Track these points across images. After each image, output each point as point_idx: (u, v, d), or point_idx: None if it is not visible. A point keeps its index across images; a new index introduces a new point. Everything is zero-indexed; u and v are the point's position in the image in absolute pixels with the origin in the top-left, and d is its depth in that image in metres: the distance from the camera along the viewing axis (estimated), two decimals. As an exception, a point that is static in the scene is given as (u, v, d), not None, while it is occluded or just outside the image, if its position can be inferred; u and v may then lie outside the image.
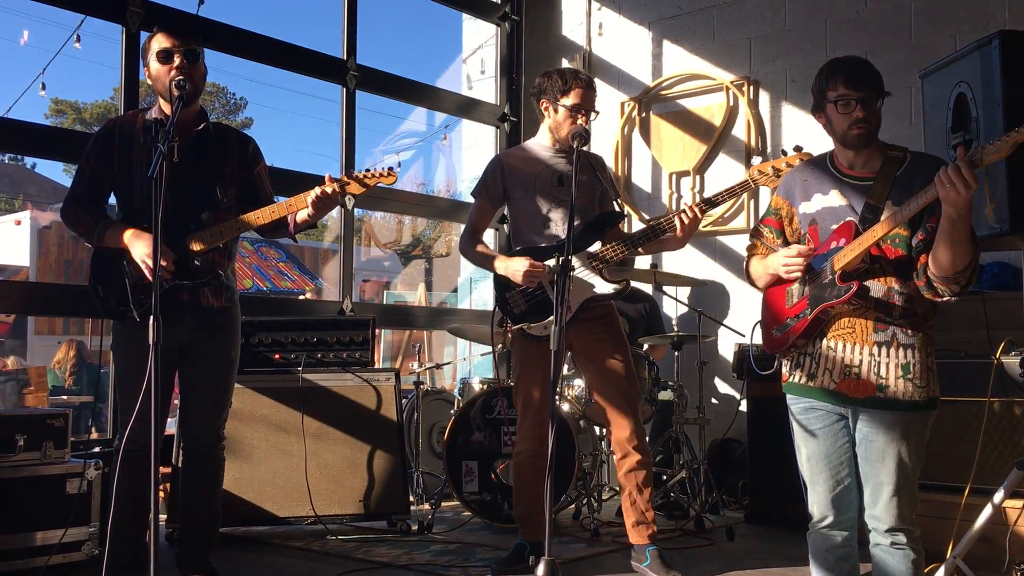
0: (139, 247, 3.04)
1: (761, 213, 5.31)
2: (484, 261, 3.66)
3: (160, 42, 3.08)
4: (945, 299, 2.44)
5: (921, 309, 2.49)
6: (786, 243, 2.69)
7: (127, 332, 3.15)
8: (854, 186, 2.54)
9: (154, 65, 3.08)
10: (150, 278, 2.98)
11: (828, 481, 2.56)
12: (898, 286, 2.47)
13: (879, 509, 2.49)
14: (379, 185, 3.19)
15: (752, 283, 2.80)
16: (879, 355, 2.47)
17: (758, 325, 2.77)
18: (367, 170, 3.19)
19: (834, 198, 2.56)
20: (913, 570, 2.48)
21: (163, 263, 2.95)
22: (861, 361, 2.48)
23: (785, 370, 2.65)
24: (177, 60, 3.05)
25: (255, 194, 3.28)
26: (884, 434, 2.47)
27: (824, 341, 2.53)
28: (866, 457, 2.50)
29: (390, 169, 3.19)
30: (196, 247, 3.10)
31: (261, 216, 3.15)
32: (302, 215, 3.22)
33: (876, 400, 2.46)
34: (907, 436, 2.47)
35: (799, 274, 2.55)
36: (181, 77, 3.00)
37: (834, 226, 2.53)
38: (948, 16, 4.91)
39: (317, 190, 3.10)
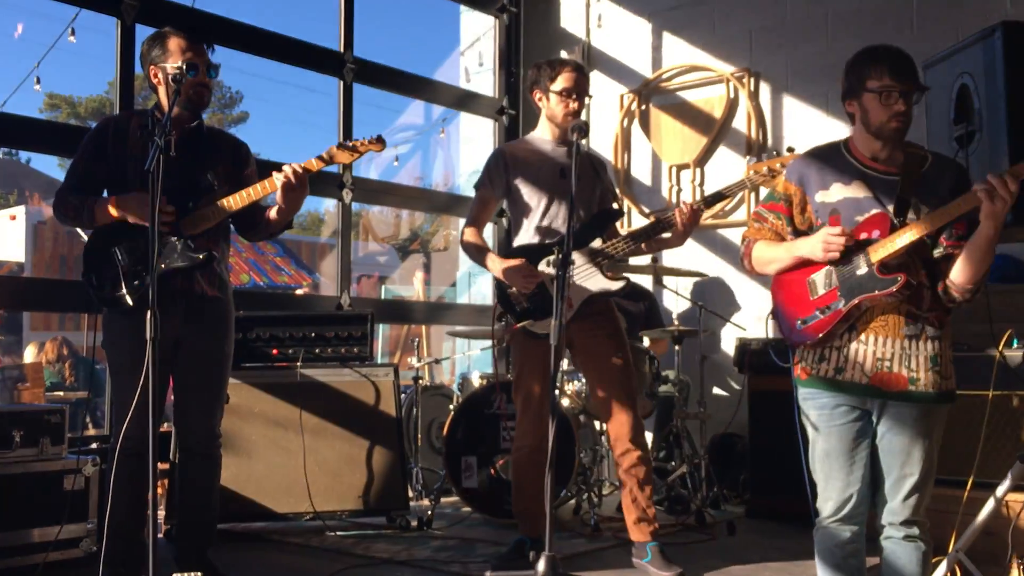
0: (130, 203, 3.03)
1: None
2: (479, 256, 3.63)
3: (182, 50, 3.10)
4: (955, 305, 2.46)
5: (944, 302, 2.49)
6: (796, 231, 2.65)
7: (119, 325, 3.12)
8: (880, 180, 2.51)
9: (172, 71, 3.06)
10: (146, 223, 2.90)
11: (846, 477, 2.53)
12: (927, 281, 2.47)
13: (897, 502, 2.50)
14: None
15: (751, 269, 2.74)
16: (910, 348, 2.46)
17: (771, 316, 2.73)
18: (355, 139, 3.19)
19: (857, 188, 2.52)
20: (923, 561, 2.50)
21: (166, 216, 2.96)
22: (893, 355, 2.46)
23: (805, 363, 2.59)
24: (199, 74, 3.09)
25: None
26: (912, 427, 2.47)
27: (854, 334, 2.50)
28: (890, 450, 2.49)
29: (379, 137, 3.18)
30: (184, 232, 3.09)
31: (238, 199, 3.12)
32: (273, 212, 3.21)
33: (908, 394, 2.46)
34: (932, 428, 2.49)
35: (837, 255, 2.47)
36: (205, 90, 3.14)
37: (859, 217, 2.49)
38: (950, 7, 4.88)
39: (282, 174, 3.06)
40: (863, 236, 2.47)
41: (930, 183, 2.48)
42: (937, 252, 2.47)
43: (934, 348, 2.47)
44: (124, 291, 3.08)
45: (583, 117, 3.57)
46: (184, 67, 2.97)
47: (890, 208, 2.47)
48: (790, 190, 2.65)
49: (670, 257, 5.63)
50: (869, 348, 2.48)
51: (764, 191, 5.29)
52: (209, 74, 3.15)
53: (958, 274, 2.39)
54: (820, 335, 2.52)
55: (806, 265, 2.57)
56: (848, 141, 2.62)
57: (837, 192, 2.54)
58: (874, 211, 2.48)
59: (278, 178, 3.06)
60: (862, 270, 2.45)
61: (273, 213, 3.22)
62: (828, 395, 2.54)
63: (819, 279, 2.54)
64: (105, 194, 3.22)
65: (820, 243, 2.48)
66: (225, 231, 3.30)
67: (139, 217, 3.03)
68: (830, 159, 2.60)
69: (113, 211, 3.07)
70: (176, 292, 3.10)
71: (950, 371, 2.50)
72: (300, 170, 3.06)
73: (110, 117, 3.34)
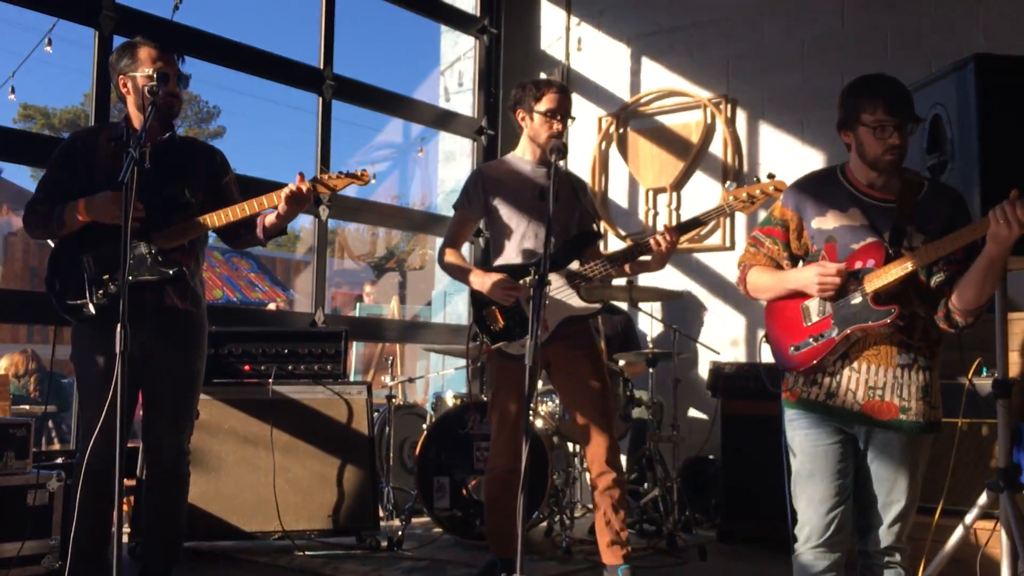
0: (96, 203, 2.99)
1: (752, 224, 5.37)
2: (461, 274, 3.63)
3: (152, 60, 3.07)
4: (957, 330, 2.48)
5: (935, 332, 2.52)
6: (792, 256, 2.66)
7: (88, 338, 3.08)
8: (876, 207, 2.52)
9: (142, 80, 3.04)
10: (116, 221, 2.88)
11: (831, 500, 2.53)
12: (920, 311, 2.48)
13: (883, 529, 2.52)
14: (353, 186, 3.18)
15: (747, 294, 2.74)
16: (902, 377, 2.48)
17: (764, 340, 2.72)
18: (340, 171, 3.18)
19: (854, 216, 2.53)
20: None
21: (136, 212, 2.87)
22: (885, 384, 2.48)
23: (796, 387, 2.60)
24: (170, 84, 3.06)
25: (224, 204, 3.21)
26: (899, 455, 2.49)
27: (847, 362, 2.51)
28: (876, 477, 2.51)
29: (363, 171, 3.16)
30: (156, 245, 3.06)
31: (219, 217, 3.10)
32: (271, 218, 3.19)
33: (899, 423, 2.47)
34: (919, 457, 2.52)
35: (832, 293, 2.49)
36: (175, 100, 3.11)
37: (854, 245, 2.50)
38: (924, 39, 4.97)
39: (291, 186, 3.07)
40: (858, 265, 2.48)
41: (926, 211, 2.49)
42: (935, 280, 2.48)
43: (925, 378, 2.49)
44: (87, 299, 3.04)
45: (563, 139, 3.59)
46: (154, 76, 2.95)
47: (886, 236, 2.48)
48: (787, 215, 2.65)
49: (645, 279, 5.66)
50: (862, 376, 2.49)
51: (740, 216, 5.35)
52: (179, 84, 3.13)
53: (960, 297, 2.41)
54: (812, 363, 2.53)
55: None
56: (844, 167, 2.63)
57: (833, 219, 2.55)
58: (869, 239, 2.49)
59: (284, 191, 3.06)
60: (856, 299, 2.46)
61: (271, 218, 3.19)
62: (815, 417, 2.55)
63: (813, 306, 2.56)
64: None
65: (815, 280, 2.49)
66: (200, 245, 3.27)
67: (107, 216, 2.99)
68: (827, 185, 2.61)
69: (82, 215, 3.03)
70: (146, 305, 3.06)
71: (938, 401, 2.53)
72: (305, 188, 3.07)
73: (79, 131, 3.32)
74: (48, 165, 3.20)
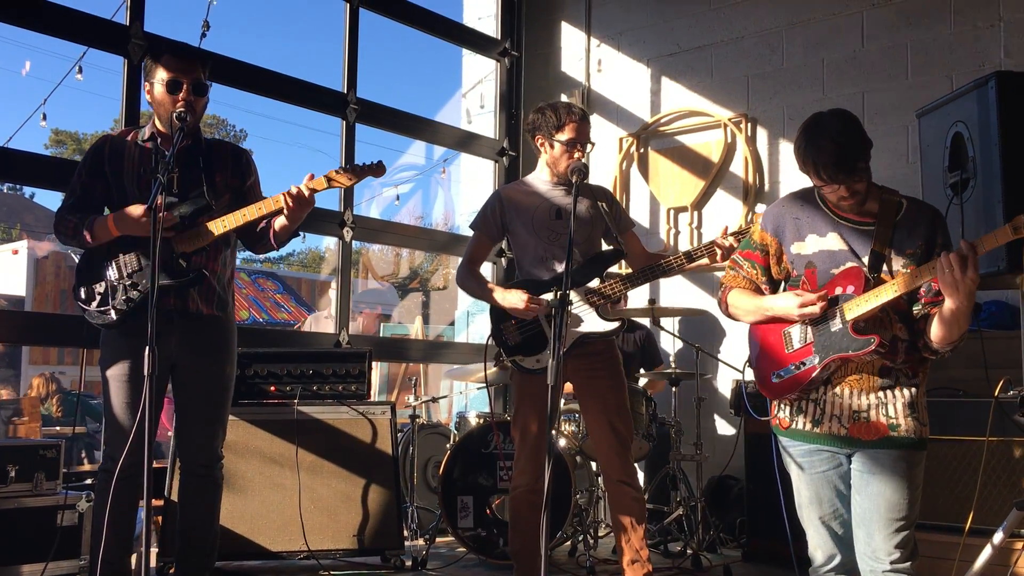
0: (127, 220, 3.02)
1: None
2: (482, 293, 3.66)
3: (169, 68, 3.10)
4: (938, 356, 2.47)
5: (919, 353, 2.49)
6: (771, 280, 2.65)
7: (111, 346, 3.11)
8: (855, 230, 2.50)
9: (159, 89, 3.10)
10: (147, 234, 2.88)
11: (833, 521, 2.52)
12: (902, 334, 2.46)
13: (878, 549, 2.45)
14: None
15: (728, 315, 2.74)
16: (886, 397, 2.46)
17: (748, 365, 2.73)
18: (355, 164, 3.20)
19: (832, 241, 2.51)
20: None
21: (168, 222, 2.94)
22: (869, 405, 2.45)
23: (783, 415, 2.59)
24: (184, 92, 3.07)
25: (247, 205, 3.21)
26: (892, 470, 2.44)
27: (829, 387, 2.49)
28: (868, 493, 2.46)
29: (379, 163, 3.18)
30: (177, 249, 3.08)
31: (223, 224, 3.11)
32: (280, 222, 3.19)
33: (889, 439, 2.44)
34: (914, 472, 2.46)
35: (817, 315, 2.47)
36: (183, 110, 3.03)
37: (834, 270, 2.49)
38: (944, 56, 4.96)
39: (292, 188, 3.08)
40: (838, 291, 2.46)
41: (905, 232, 2.47)
42: (916, 309, 2.46)
43: (911, 395, 2.46)
44: (109, 305, 3.07)
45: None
46: (175, 86, 3.00)
47: (865, 260, 2.46)
48: (766, 240, 2.63)
49: (666, 297, 5.66)
50: (845, 401, 2.47)
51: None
52: (194, 92, 3.11)
53: (935, 333, 2.39)
54: (796, 391, 2.52)
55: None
56: (822, 189, 2.58)
57: (812, 244, 2.53)
58: (849, 264, 2.47)
59: (281, 198, 3.07)
60: (836, 327, 2.44)
61: (278, 225, 3.21)
62: (807, 444, 2.54)
63: (795, 332, 2.54)
64: (106, 212, 3.21)
65: (795, 310, 2.47)
66: (225, 247, 3.26)
67: (138, 231, 3.03)
68: (805, 208, 2.58)
69: (112, 230, 3.07)
70: (170, 311, 3.08)
71: (926, 418, 2.49)
72: (307, 191, 3.09)
73: (106, 136, 3.32)
74: (76, 170, 3.23)
